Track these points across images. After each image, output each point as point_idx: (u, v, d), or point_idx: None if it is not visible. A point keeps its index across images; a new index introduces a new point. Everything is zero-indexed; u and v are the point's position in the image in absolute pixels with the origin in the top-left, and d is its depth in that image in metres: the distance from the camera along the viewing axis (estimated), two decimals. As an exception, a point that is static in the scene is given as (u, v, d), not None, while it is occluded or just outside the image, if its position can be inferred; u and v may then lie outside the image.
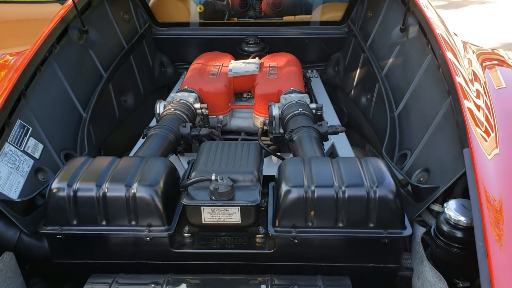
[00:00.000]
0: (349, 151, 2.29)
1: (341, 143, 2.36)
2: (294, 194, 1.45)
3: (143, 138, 2.00)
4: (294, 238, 1.48)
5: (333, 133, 1.97)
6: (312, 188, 1.45)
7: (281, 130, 2.17)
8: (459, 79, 1.79)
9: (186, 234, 1.56)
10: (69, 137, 2.06)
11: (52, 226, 1.52)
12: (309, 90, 2.80)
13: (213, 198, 1.47)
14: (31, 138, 1.82)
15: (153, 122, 2.46)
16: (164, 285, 1.42)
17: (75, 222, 1.51)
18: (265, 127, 2.33)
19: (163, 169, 1.58)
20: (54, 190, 1.50)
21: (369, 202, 1.44)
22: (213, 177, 1.48)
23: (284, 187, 1.47)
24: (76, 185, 1.49)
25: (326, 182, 1.47)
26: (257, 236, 1.56)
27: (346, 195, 1.44)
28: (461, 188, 1.56)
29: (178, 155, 2.25)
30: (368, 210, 1.45)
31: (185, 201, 1.47)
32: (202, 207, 1.47)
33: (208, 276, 1.49)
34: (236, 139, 2.36)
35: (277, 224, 1.50)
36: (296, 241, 1.49)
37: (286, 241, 1.50)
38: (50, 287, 1.67)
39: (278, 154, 2.15)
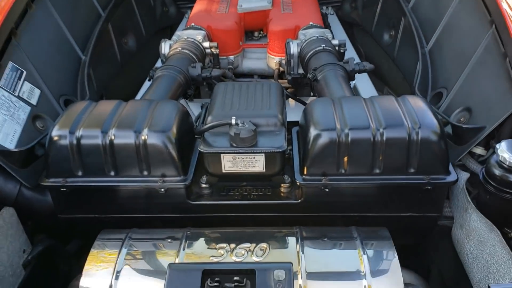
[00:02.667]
0: (373, 93, 2.10)
1: (364, 84, 2.17)
2: (325, 138, 1.29)
3: (149, 80, 1.82)
4: (325, 187, 1.33)
5: (360, 71, 1.77)
6: (346, 131, 1.28)
7: (300, 70, 1.97)
8: (505, 6, 1.58)
9: (204, 185, 1.41)
10: (68, 82, 1.87)
11: (55, 178, 1.37)
12: (326, 27, 2.58)
13: (234, 144, 1.30)
14: (26, 82, 1.64)
15: (158, 65, 2.26)
16: (183, 240, 1.28)
17: (80, 173, 1.36)
18: (281, 68, 2.13)
19: (175, 113, 1.40)
20: (55, 138, 1.34)
21: (411, 145, 1.28)
22: (233, 121, 1.30)
23: (313, 131, 1.30)
24: (79, 132, 1.33)
25: (362, 124, 1.30)
26: (282, 185, 1.41)
27: (384, 138, 1.28)
28: (509, 128, 1.40)
29: (187, 100, 2.08)
30: (409, 154, 1.29)
31: (202, 148, 1.31)
32: (222, 155, 1.31)
33: (229, 229, 1.35)
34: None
35: (305, 172, 1.34)
36: (326, 190, 1.34)
37: (315, 191, 1.35)
38: (56, 244, 1.55)
39: (299, 98, 1.96)
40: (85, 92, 1.86)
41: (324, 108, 1.38)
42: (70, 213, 1.44)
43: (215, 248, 1.24)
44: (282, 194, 1.41)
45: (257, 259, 1.20)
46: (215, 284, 1.01)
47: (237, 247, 1.24)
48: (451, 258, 1.48)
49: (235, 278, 1.02)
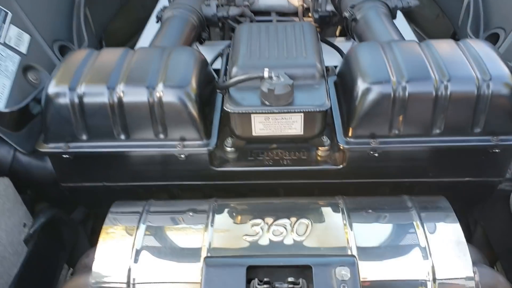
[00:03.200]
0: (411, 36, 1.84)
1: (400, 26, 1.91)
2: (378, 93, 1.07)
3: (157, 22, 1.56)
4: (374, 151, 1.13)
5: (404, 9, 1.52)
6: (403, 83, 1.07)
7: (330, 7, 1.71)
8: None
9: (229, 149, 1.21)
10: (62, 25, 1.61)
11: (55, 143, 1.16)
12: None
13: (266, 102, 1.09)
14: (12, 26, 1.38)
15: (162, 2, 1.98)
16: (210, 213, 1.10)
17: (84, 137, 1.15)
18: (305, 5, 1.87)
19: (193, 63, 1.18)
20: (53, 96, 1.12)
21: (479, 100, 1.07)
22: (266, 74, 1.08)
23: (361, 85, 1.09)
24: (81, 88, 1.11)
25: (422, 75, 1.08)
26: (320, 148, 1.21)
27: (448, 92, 1.06)
28: None
29: (198, 44, 1.83)
30: (476, 111, 1.08)
31: (229, 107, 1.10)
32: (252, 115, 1.10)
33: (261, 200, 1.17)
34: (270, 21, 1.91)
35: (350, 134, 1.14)
36: (375, 155, 1.14)
37: (361, 155, 1.15)
38: (60, 213, 1.37)
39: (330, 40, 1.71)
40: (82, 36, 1.61)
41: (373, 55, 1.15)
42: (74, 182, 1.25)
43: (248, 224, 1.06)
44: (319, 158, 1.21)
45: (299, 238, 1.03)
46: (265, 286, 0.83)
47: (274, 223, 1.06)
48: (505, 222, 1.31)
49: (289, 279, 0.85)
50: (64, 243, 1.46)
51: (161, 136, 1.15)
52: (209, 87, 1.24)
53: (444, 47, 1.17)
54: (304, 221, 1.06)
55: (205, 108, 1.19)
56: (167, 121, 1.12)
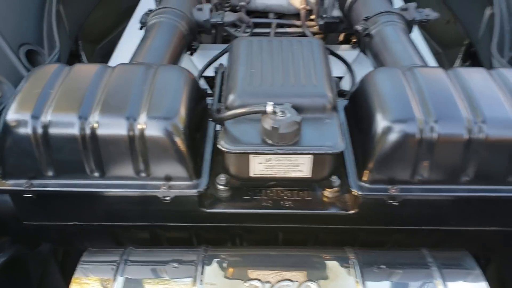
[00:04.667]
0: (425, 51, 1.65)
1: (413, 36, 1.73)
2: (402, 133, 0.91)
3: (141, 28, 1.36)
4: (393, 199, 0.97)
5: (422, 22, 1.34)
6: (431, 123, 0.90)
7: (336, 13, 1.53)
8: None
9: (221, 187, 1.03)
10: (30, 26, 1.40)
11: (15, 180, 0.98)
12: None
13: (268, 141, 0.92)
14: None
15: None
16: (199, 266, 0.94)
17: (50, 173, 0.97)
18: (307, 7, 1.68)
19: (182, 86, 0.99)
20: (12, 124, 0.93)
21: None
22: (269, 108, 0.90)
23: (382, 122, 0.92)
24: (46, 116, 0.92)
25: (452, 113, 0.92)
26: (326, 189, 1.04)
27: (483, 135, 0.91)
28: None
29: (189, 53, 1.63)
30: None
31: (224, 145, 0.92)
32: (251, 156, 0.93)
33: (260, 251, 1.01)
34: (268, 24, 1.72)
35: (365, 178, 0.97)
36: (394, 204, 0.98)
37: (377, 202, 0.99)
38: (24, 249, 1.19)
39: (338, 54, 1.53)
40: (53, 38, 1.40)
41: (395, 85, 0.98)
42: (39, 220, 1.07)
43: (244, 285, 0.90)
44: (326, 200, 1.04)
45: (305, 309, 0.87)
46: None
47: (274, 287, 0.90)
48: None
49: None
50: (30, 278, 1.28)
51: (143, 174, 0.97)
52: (200, 109, 1.06)
53: (476, 78, 1.00)
54: (310, 284, 0.90)
55: (197, 142, 1.02)
56: (150, 158, 0.95)
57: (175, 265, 0.96)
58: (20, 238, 1.16)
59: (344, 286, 0.91)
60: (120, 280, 0.93)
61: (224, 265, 0.96)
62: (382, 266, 0.95)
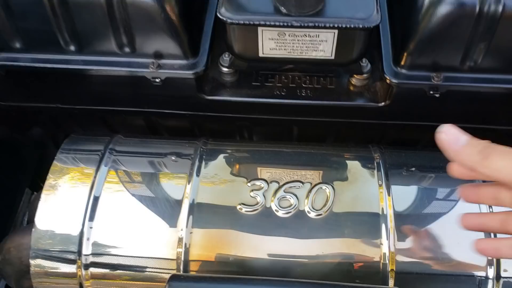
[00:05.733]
0: None
1: None
2: (456, 4, 0.68)
3: None
4: (435, 89, 0.78)
5: None
6: None
7: None
8: None
9: (225, 69, 0.85)
10: None
11: None
12: None
13: (283, 9, 0.71)
14: None
15: None
16: (196, 161, 0.80)
17: (18, 46, 0.80)
18: None
19: None
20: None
21: None
22: (284, -34, 0.68)
23: None
24: None
25: None
26: (355, 76, 0.85)
27: None
28: None
29: None
30: None
31: (225, 14, 0.72)
32: (260, 29, 0.73)
33: (270, 147, 0.86)
34: None
35: (403, 62, 0.77)
36: (435, 95, 0.79)
37: (416, 92, 0.80)
38: (12, 131, 1.07)
39: None
40: None
41: None
42: (18, 101, 0.93)
43: (247, 186, 0.76)
44: (352, 89, 0.86)
45: (314, 216, 0.73)
46: None
47: (282, 188, 0.76)
48: None
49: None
50: (25, 162, 1.19)
51: (127, 50, 0.79)
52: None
53: None
54: (324, 188, 0.76)
55: (194, 12, 0.82)
56: (134, 29, 0.76)
57: (170, 157, 0.83)
58: (4, 121, 1.04)
59: (364, 189, 0.77)
60: (103, 170, 0.80)
61: (226, 161, 0.82)
62: (412, 169, 0.80)
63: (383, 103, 0.83)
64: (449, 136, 0.49)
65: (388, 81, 0.78)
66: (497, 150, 0.46)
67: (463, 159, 0.48)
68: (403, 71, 0.78)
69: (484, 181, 0.54)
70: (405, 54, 0.76)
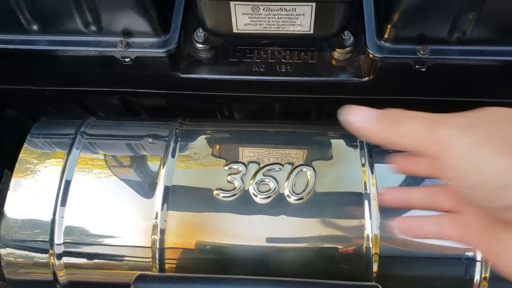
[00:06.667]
0: None
1: None
2: None
3: None
4: (421, 63, 0.74)
5: None
6: None
7: None
8: None
9: (200, 45, 0.81)
10: None
11: None
12: None
13: (256, -19, 0.66)
14: None
15: None
16: (171, 142, 0.77)
17: (-23, 25, 0.76)
18: None
19: None
20: None
21: None
22: None
23: None
24: None
25: None
26: (337, 49, 0.80)
27: None
28: None
29: None
30: None
31: None
32: (233, 3, 0.68)
33: (249, 126, 0.82)
34: None
35: (387, 35, 0.73)
36: (422, 70, 0.74)
37: (400, 66, 0.76)
38: None
39: None
40: None
41: None
42: None
43: (224, 170, 0.73)
44: (335, 63, 0.82)
45: (294, 201, 0.70)
46: None
47: (261, 171, 0.73)
48: None
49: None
50: (3, 146, 1.16)
51: (93, 28, 0.74)
52: None
53: None
54: (305, 170, 0.73)
55: (163, -17, 0.76)
56: (99, 6, 0.71)
57: (144, 140, 0.79)
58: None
59: (346, 170, 0.73)
60: (75, 153, 0.77)
61: (202, 142, 0.78)
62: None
63: (367, 78, 0.79)
64: (355, 115, 0.43)
65: (371, 55, 0.74)
66: (405, 115, 0.41)
67: (374, 134, 0.42)
68: (387, 44, 0.73)
69: None
70: (389, 26, 0.71)
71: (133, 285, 0.55)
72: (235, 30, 0.72)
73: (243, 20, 0.70)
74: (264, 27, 0.71)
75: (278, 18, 0.69)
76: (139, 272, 0.58)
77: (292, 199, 0.70)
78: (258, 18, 0.70)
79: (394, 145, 0.41)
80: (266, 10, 0.68)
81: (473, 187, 0.37)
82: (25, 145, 0.78)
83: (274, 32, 0.72)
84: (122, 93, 0.88)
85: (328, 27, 0.71)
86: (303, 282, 0.58)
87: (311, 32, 0.71)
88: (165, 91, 0.86)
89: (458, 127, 0.37)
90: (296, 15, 0.68)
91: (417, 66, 0.73)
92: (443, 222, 0.46)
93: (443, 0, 0.66)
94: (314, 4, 0.66)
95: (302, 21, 0.69)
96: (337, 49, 0.80)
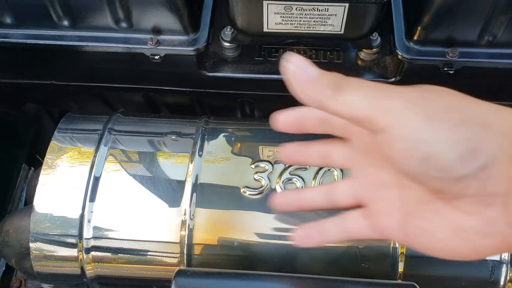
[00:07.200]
0: None
1: None
2: None
3: None
4: (449, 66, 0.74)
5: None
6: None
7: None
8: None
9: (226, 44, 0.81)
10: None
11: None
12: None
13: (289, -19, 0.66)
14: None
15: None
16: (198, 140, 0.77)
17: (9, 21, 0.76)
18: None
19: None
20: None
21: None
22: None
23: None
24: None
25: None
26: (364, 50, 0.81)
27: None
28: None
29: None
30: None
31: None
32: (266, 3, 0.68)
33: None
34: None
35: (416, 36, 0.73)
36: (449, 72, 0.75)
37: (428, 68, 0.76)
38: (5, 107, 1.04)
39: None
40: None
41: None
42: (10, 78, 0.89)
43: (251, 169, 0.74)
44: (361, 64, 0.82)
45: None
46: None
47: (287, 170, 0.73)
48: None
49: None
50: (21, 141, 1.16)
51: (124, 25, 0.75)
52: None
53: None
54: (332, 169, 0.73)
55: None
56: (130, 3, 0.72)
57: (171, 137, 0.80)
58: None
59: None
60: (103, 150, 0.77)
61: (229, 140, 0.79)
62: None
63: (393, 79, 0.80)
64: (297, 66, 0.38)
65: (400, 57, 0.74)
66: (352, 82, 0.37)
67: (311, 93, 0.38)
68: (416, 46, 0.74)
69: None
70: (419, 28, 0.72)
71: (174, 280, 0.55)
72: (265, 29, 0.72)
73: (274, 19, 0.71)
74: (295, 27, 0.72)
75: (310, 17, 0.70)
76: (176, 268, 0.59)
77: (320, 199, 0.71)
78: (289, 17, 0.70)
79: (331, 111, 0.37)
80: (299, 9, 0.69)
81: (426, 158, 0.34)
82: (53, 140, 0.79)
83: (304, 31, 0.72)
84: (147, 90, 0.89)
85: (359, 28, 0.71)
86: (341, 280, 0.58)
87: (342, 32, 0.72)
88: (190, 89, 0.86)
89: (407, 98, 0.35)
90: (328, 15, 0.69)
91: (445, 69, 0.74)
92: (345, 218, 0.45)
93: (476, 3, 0.66)
94: (347, 4, 0.66)
95: (333, 21, 0.70)
96: (363, 49, 0.80)
